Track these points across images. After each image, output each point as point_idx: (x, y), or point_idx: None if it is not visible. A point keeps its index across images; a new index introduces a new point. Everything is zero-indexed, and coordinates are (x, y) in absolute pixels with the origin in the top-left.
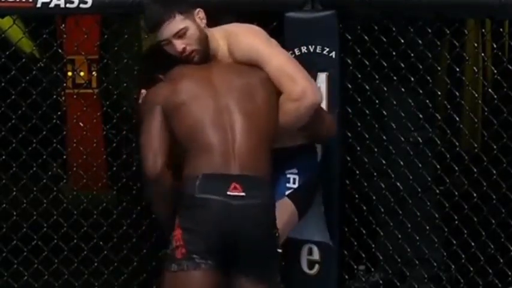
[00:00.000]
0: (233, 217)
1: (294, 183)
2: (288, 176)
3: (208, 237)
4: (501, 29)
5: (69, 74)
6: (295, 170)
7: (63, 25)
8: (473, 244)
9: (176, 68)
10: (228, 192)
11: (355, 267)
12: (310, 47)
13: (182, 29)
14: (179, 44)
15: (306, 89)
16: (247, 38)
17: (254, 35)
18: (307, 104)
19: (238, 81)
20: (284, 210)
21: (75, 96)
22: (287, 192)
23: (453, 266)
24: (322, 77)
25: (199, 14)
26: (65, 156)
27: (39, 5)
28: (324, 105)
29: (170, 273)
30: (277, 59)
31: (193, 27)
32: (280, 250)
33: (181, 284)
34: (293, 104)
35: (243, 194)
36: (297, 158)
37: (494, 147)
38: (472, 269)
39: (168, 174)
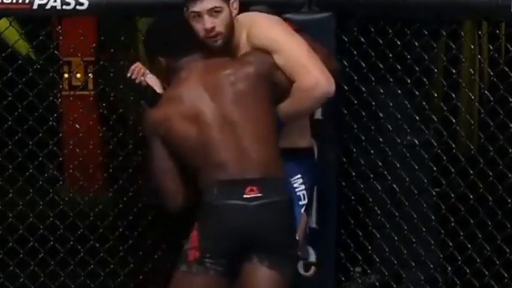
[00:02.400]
0: (251, 217)
1: (304, 199)
2: (298, 194)
3: (226, 239)
4: (497, 31)
5: (66, 75)
6: (300, 180)
7: (59, 27)
8: (469, 246)
9: (178, 64)
10: (245, 195)
11: (352, 269)
12: None
13: (219, 7)
14: (209, 21)
15: (319, 79)
16: (265, 26)
17: (273, 23)
18: (320, 94)
19: (234, 89)
20: (303, 225)
21: (71, 98)
22: (302, 210)
23: (449, 268)
24: None
25: (234, 4)
26: (61, 158)
27: (35, 6)
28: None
29: (179, 272)
30: (291, 49)
31: (227, 12)
32: (299, 253)
33: (187, 286)
34: (305, 93)
35: (259, 194)
36: (297, 160)
37: (491, 149)
38: (468, 271)
39: (188, 198)
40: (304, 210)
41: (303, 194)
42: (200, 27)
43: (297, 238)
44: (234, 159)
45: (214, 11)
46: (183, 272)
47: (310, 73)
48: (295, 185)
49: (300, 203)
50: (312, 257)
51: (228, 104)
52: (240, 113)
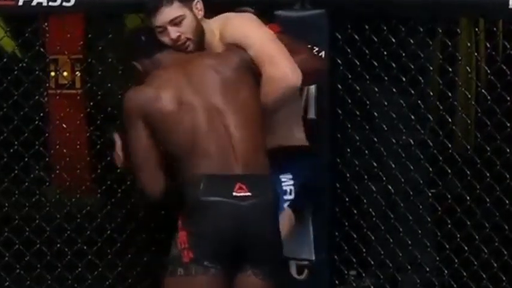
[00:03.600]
0: (242, 218)
1: (290, 194)
2: (285, 188)
3: (217, 240)
4: (495, 28)
5: (52, 74)
6: (289, 176)
7: (46, 24)
8: (466, 248)
9: (156, 65)
10: (234, 193)
11: (346, 272)
12: None
13: (179, 16)
14: (174, 32)
15: (286, 71)
16: (237, 23)
17: (244, 19)
18: (286, 85)
19: (220, 77)
20: (286, 220)
21: (58, 97)
22: (286, 205)
23: (446, 271)
24: None
25: (197, 5)
26: (47, 159)
27: (20, 3)
28: (312, 106)
29: (175, 278)
30: (258, 41)
31: (190, 17)
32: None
33: None
34: (273, 87)
35: (249, 193)
36: (292, 160)
37: (488, 149)
38: (465, 273)
39: (167, 186)
40: (288, 205)
41: (290, 189)
42: (167, 39)
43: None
44: (222, 151)
45: (175, 22)
46: (180, 276)
47: (277, 64)
48: (282, 179)
49: (285, 197)
50: (307, 255)
51: (215, 91)
52: (228, 102)
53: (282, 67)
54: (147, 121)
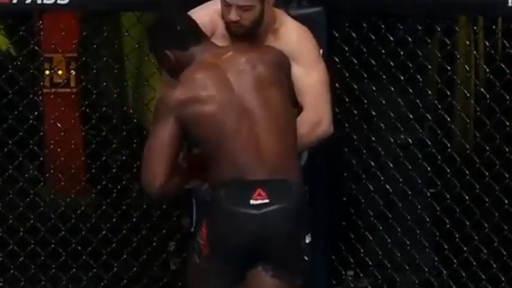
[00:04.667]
0: (257, 226)
1: None
2: None
3: (231, 247)
4: (494, 26)
5: (47, 72)
6: None
7: (40, 22)
8: (465, 248)
9: (189, 57)
10: (252, 201)
11: (343, 272)
12: None
13: (250, 6)
14: (235, 15)
15: (323, 117)
16: (298, 35)
17: (308, 35)
18: (321, 134)
19: (255, 75)
20: None
21: (52, 96)
22: None
23: (445, 271)
24: None
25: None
26: (42, 158)
27: (15, 1)
28: None
29: (194, 264)
30: (314, 75)
31: (258, 9)
32: (306, 258)
33: (202, 278)
34: (306, 129)
35: (267, 200)
36: None
37: (487, 148)
38: (464, 274)
39: (168, 188)
40: None
41: None
42: (226, 14)
43: (306, 240)
44: (246, 155)
45: (244, 8)
46: (195, 264)
47: (318, 110)
48: None
49: None
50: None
51: (248, 91)
52: (259, 102)
53: (321, 112)
54: (178, 119)
